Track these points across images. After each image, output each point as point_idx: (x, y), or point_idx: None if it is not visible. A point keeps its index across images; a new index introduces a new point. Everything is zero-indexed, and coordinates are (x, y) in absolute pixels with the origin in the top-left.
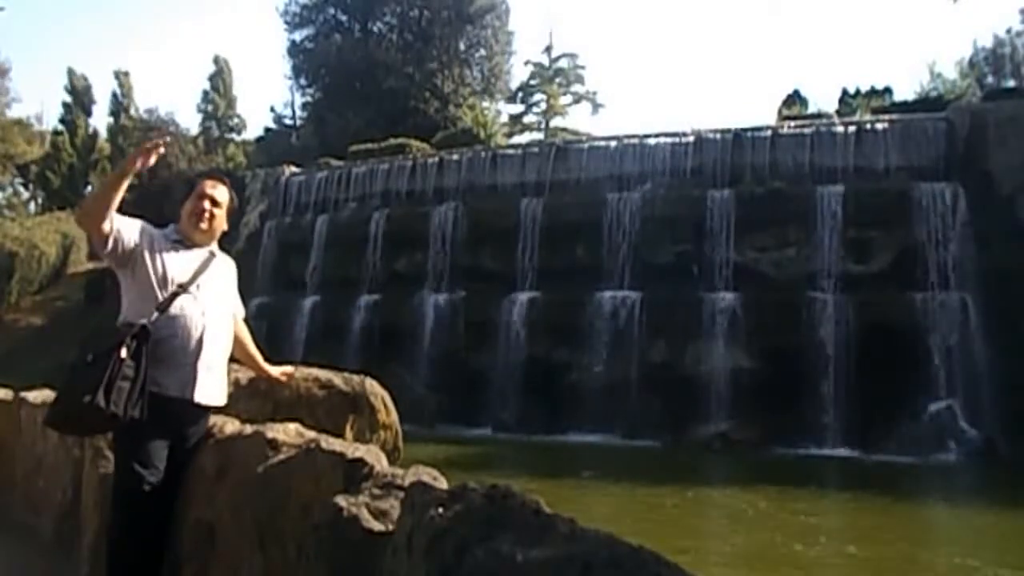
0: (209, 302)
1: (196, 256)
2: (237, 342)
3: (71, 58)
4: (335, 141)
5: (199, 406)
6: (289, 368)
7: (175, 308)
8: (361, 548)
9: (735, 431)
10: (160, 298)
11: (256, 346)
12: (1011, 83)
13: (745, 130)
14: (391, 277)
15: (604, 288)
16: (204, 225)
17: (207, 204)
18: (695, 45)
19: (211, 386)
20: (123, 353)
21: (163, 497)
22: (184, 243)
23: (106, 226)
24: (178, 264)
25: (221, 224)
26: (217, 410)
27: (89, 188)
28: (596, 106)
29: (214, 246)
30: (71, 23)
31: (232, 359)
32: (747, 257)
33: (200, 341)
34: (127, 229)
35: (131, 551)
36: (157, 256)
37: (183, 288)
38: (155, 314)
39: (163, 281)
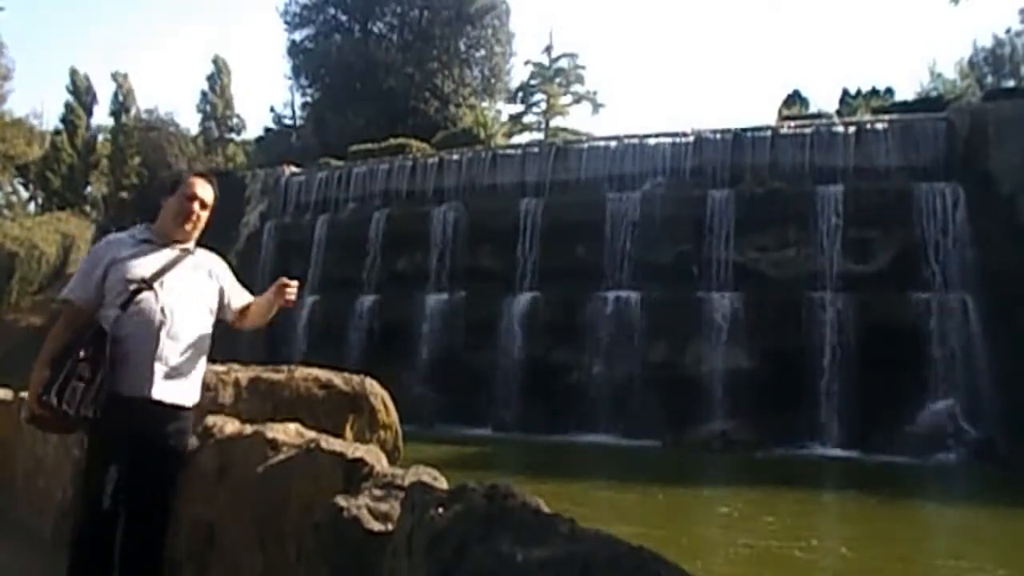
0: (173, 298)
1: (164, 254)
2: (252, 308)
3: (71, 58)
4: (335, 141)
5: (161, 404)
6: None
7: (134, 305)
8: (361, 548)
9: (735, 431)
10: (124, 298)
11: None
12: (1011, 83)
13: (745, 130)
14: (391, 277)
15: (604, 288)
16: (189, 227)
17: (196, 207)
18: (695, 45)
19: (173, 384)
20: (81, 354)
21: (139, 502)
22: (153, 242)
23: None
24: (143, 263)
25: (203, 224)
26: (218, 410)
27: (89, 188)
28: (596, 106)
29: (191, 243)
30: (71, 23)
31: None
32: (747, 257)
33: (157, 338)
34: (89, 288)
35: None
36: (123, 263)
37: (145, 284)
38: (117, 312)
39: (128, 281)
